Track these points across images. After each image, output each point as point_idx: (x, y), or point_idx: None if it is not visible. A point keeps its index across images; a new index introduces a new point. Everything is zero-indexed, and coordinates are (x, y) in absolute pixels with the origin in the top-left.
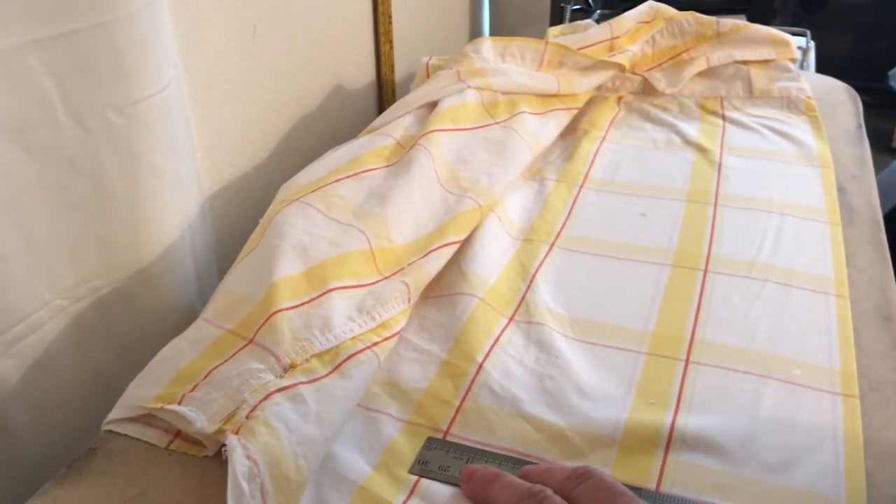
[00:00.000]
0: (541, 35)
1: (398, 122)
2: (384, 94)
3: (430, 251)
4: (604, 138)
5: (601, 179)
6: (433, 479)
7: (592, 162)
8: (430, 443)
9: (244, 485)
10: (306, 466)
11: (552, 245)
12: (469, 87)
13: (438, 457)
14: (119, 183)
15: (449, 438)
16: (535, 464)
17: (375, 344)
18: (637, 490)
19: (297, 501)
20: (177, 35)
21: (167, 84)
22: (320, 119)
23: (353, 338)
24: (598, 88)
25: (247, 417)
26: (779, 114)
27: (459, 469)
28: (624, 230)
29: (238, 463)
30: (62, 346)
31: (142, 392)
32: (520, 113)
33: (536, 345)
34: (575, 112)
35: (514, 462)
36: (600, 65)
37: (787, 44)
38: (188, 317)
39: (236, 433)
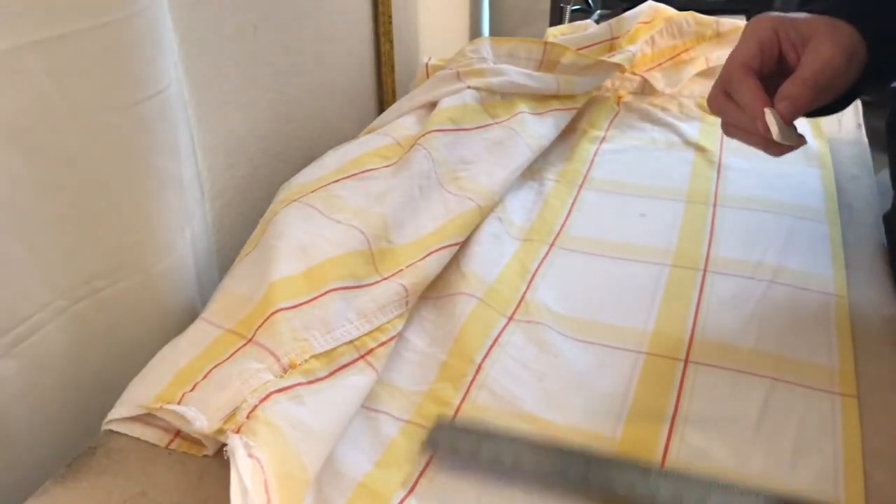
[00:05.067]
0: (540, 35)
1: (398, 122)
2: (384, 94)
3: (430, 253)
4: (603, 138)
5: (600, 179)
6: (444, 456)
7: (592, 162)
8: (441, 419)
9: (248, 483)
10: (310, 464)
11: (552, 245)
12: (468, 87)
13: (449, 436)
14: (119, 183)
15: None
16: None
17: (371, 351)
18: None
19: (302, 499)
20: (177, 36)
21: (168, 85)
22: (320, 119)
23: (350, 342)
24: (598, 89)
25: (247, 417)
26: None
27: (469, 446)
28: (623, 230)
29: (241, 462)
30: (63, 347)
31: (142, 391)
32: (519, 113)
33: (536, 344)
34: (574, 112)
35: (526, 442)
36: (600, 65)
37: None
38: (188, 317)
39: (237, 432)
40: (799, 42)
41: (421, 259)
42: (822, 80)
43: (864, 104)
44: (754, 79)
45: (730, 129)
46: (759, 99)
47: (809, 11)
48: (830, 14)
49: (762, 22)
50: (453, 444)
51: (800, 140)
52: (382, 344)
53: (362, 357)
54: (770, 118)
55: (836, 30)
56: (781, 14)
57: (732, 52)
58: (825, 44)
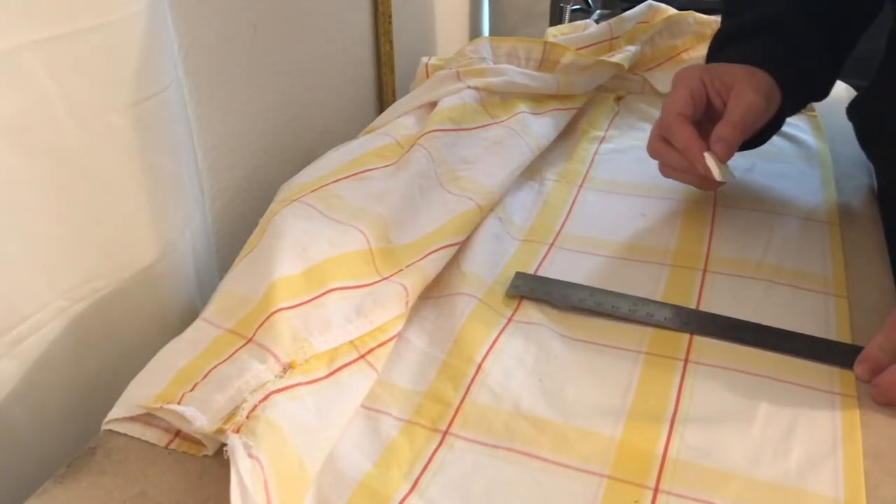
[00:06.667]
0: (540, 35)
1: (398, 122)
2: (384, 94)
3: (429, 253)
4: (603, 138)
5: (600, 179)
6: (527, 297)
7: (592, 162)
8: (519, 276)
9: (248, 483)
10: (310, 464)
11: (551, 245)
12: (468, 87)
13: (528, 283)
14: (120, 183)
15: (449, 437)
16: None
17: (371, 351)
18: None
19: (302, 499)
20: (177, 35)
21: (168, 85)
22: (320, 119)
23: (350, 342)
24: (598, 88)
25: (247, 417)
26: None
27: (545, 291)
28: (623, 230)
29: (241, 462)
30: (63, 347)
31: (141, 391)
32: (519, 113)
33: (536, 345)
34: (574, 112)
35: (588, 288)
36: (599, 65)
37: None
38: (189, 317)
39: (237, 432)
40: (723, 89)
41: (421, 259)
42: (749, 121)
43: None
44: (690, 126)
45: (668, 170)
46: (697, 144)
47: (724, 60)
48: (745, 62)
49: (690, 73)
50: (531, 289)
51: (732, 176)
52: (382, 344)
53: (362, 357)
54: (710, 161)
55: (753, 76)
56: (705, 65)
57: (667, 103)
58: (747, 90)
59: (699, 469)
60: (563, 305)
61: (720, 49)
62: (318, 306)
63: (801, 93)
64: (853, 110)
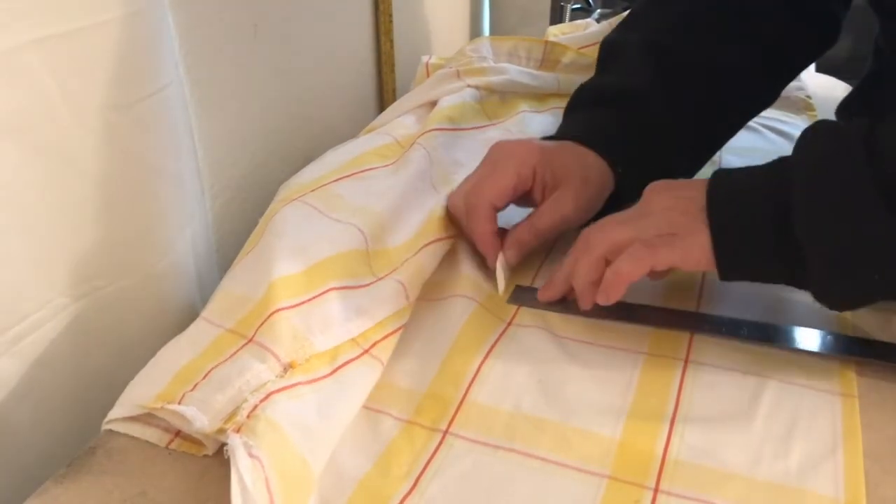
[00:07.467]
0: (541, 34)
1: (398, 121)
2: (384, 93)
3: (423, 247)
4: None
5: None
6: (527, 306)
7: None
8: (519, 288)
9: (248, 483)
10: (313, 462)
11: (551, 248)
12: (468, 85)
13: (527, 295)
14: (120, 182)
15: (448, 437)
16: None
17: (374, 345)
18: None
19: (308, 496)
20: (177, 34)
21: (168, 83)
22: (320, 119)
23: (352, 339)
24: None
25: (248, 417)
26: (778, 114)
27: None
28: None
29: (241, 461)
30: (63, 345)
31: (142, 391)
32: (520, 113)
33: (535, 345)
34: None
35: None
36: None
37: None
38: (189, 316)
39: (237, 432)
40: (550, 184)
41: (414, 255)
42: (551, 234)
43: None
44: (493, 223)
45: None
46: (493, 246)
47: (573, 125)
48: (588, 137)
49: (526, 155)
50: (531, 300)
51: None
52: (387, 336)
53: (366, 352)
54: (500, 268)
55: (586, 177)
56: (545, 146)
57: (486, 181)
58: (568, 199)
59: (699, 469)
60: (562, 313)
61: (575, 108)
62: (319, 305)
63: (650, 172)
64: (842, 112)
